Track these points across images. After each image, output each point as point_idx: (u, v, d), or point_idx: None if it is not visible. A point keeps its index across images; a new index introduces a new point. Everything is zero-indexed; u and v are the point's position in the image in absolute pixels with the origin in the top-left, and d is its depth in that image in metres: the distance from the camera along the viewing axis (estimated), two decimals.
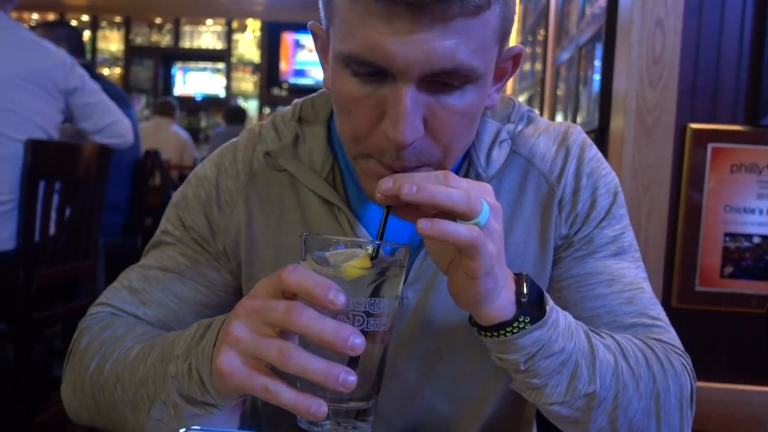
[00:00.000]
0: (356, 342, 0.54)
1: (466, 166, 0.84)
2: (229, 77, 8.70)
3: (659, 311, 0.84)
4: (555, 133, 0.88)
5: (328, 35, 0.74)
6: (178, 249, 0.88)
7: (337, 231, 0.83)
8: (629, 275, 0.84)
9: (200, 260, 0.88)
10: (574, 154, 0.86)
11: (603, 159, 0.89)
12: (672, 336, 0.82)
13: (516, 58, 0.79)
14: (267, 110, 8.63)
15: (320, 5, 0.74)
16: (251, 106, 8.65)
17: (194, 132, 8.51)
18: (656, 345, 0.78)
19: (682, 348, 0.82)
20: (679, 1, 1.58)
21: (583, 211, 0.85)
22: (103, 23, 8.73)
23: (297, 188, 0.86)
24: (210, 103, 8.83)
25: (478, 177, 0.83)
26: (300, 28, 8.50)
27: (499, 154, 0.84)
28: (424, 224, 0.57)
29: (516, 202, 0.85)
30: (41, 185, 2.17)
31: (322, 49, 0.79)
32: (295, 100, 0.90)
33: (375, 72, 0.67)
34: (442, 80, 0.67)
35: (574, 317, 0.77)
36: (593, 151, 0.88)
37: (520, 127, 0.87)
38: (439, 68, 0.65)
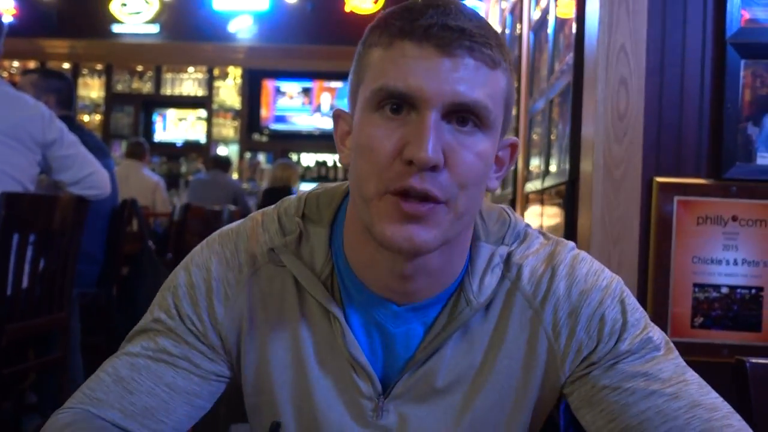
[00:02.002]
0: None
1: (457, 292, 0.83)
2: (210, 123, 8.74)
3: (714, 398, 0.80)
4: (543, 254, 0.86)
5: (353, 105, 0.80)
6: (171, 338, 0.86)
7: (330, 337, 0.84)
8: (666, 370, 0.81)
9: (195, 352, 0.86)
10: (562, 274, 0.84)
11: (600, 269, 0.86)
12: (738, 428, 0.77)
13: (513, 148, 0.84)
14: (248, 155, 8.66)
15: (350, 78, 0.81)
16: (232, 151, 8.67)
17: (174, 178, 8.48)
18: None
19: None
20: (641, 61, 1.65)
21: (592, 332, 0.82)
22: (85, 71, 8.76)
23: (299, 285, 0.86)
24: (190, 148, 8.84)
25: (468, 303, 0.82)
26: (280, 75, 8.60)
27: (491, 280, 0.83)
28: None
29: (500, 326, 0.84)
30: (15, 238, 2.16)
31: (342, 134, 0.84)
32: (301, 193, 0.91)
33: (402, 104, 0.74)
34: (460, 116, 0.74)
35: (623, 428, 0.77)
36: (585, 266, 0.85)
37: (513, 248, 0.86)
38: (460, 100, 0.73)
